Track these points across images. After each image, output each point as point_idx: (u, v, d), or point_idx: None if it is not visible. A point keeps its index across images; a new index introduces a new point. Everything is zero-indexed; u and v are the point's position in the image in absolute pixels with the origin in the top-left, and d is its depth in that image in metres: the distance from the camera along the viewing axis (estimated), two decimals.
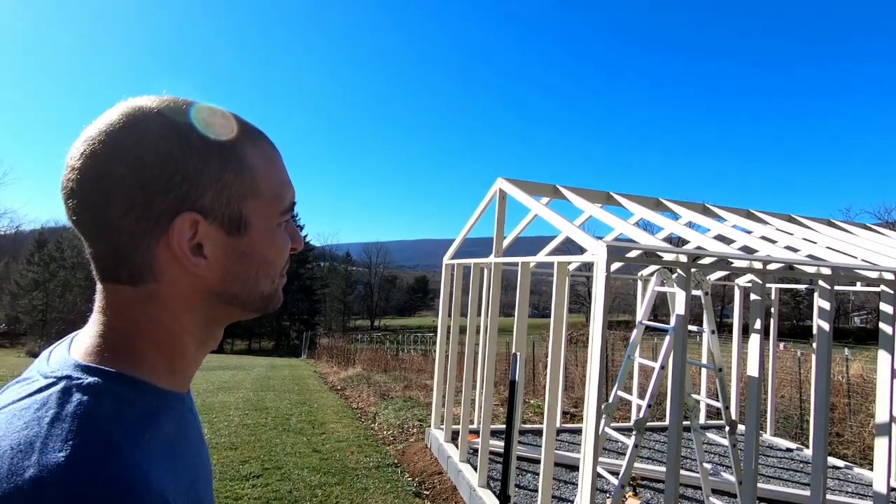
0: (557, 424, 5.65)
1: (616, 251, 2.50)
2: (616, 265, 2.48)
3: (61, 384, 0.45)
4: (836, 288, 3.31)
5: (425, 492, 4.20)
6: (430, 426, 5.39)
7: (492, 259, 4.00)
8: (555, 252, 5.18)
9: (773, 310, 5.53)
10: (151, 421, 0.48)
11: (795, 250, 3.46)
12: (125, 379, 0.48)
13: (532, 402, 7.61)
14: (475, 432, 4.62)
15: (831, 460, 4.93)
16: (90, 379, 0.46)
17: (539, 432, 5.27)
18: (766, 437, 5.65)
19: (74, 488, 0.38)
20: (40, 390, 0.45)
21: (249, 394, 8.40)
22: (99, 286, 0.52)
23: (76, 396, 0.44)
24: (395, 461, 4.89)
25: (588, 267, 6.35)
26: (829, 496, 3.86)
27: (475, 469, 4.04)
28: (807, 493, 3.63)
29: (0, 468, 0.39)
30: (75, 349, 0.51)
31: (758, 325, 2.62)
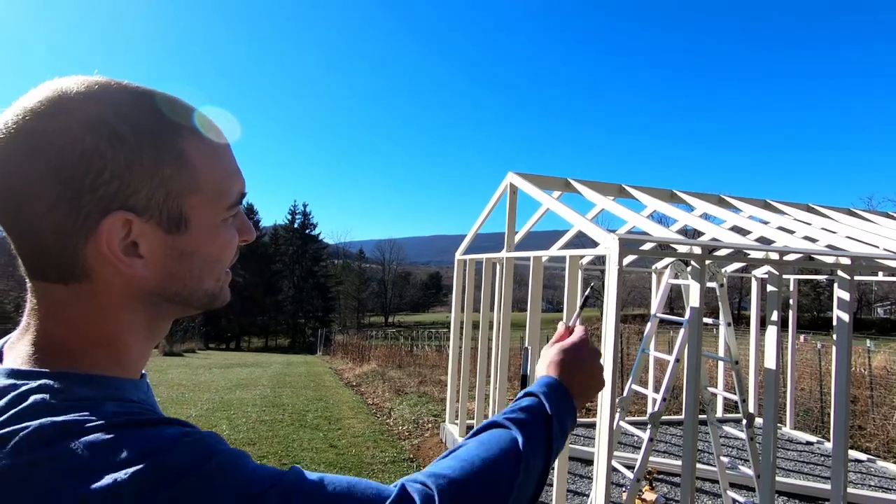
0: None
1: (629, 244, 2.48)
2: (629, 258, 2.46)
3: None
4: (857, 278, 3.24)
5: None
6: (444, 421, 5.41)
7: (503, 254, 4.00)
8: (567, 246, 5.14)
9: (791, 301, 5.43)
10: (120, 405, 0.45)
11: (814, 240, 3.40)
12: (75, 377, 0.45)
13: None
14: None
15: (853, 454, 4.83)
16: (35, 384, 0.43)
17: None
18: (786, 430, 5.56)
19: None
20: None
21: (266, 390, 8.52)
22: (29, 285, 0.48)
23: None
24: (411, 456, 4.92)
25: (601, 260, 6.30)
26: (850, 489, 3.80)
27: None
28: (827, 486, 3.57)
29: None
30: (8, 357, 0.47)
31: (775, 316, 2.58)
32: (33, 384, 0.43)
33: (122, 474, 0.37)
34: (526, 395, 0.65)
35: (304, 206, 53.46)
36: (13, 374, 0.44)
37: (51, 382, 0.43)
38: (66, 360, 0.46)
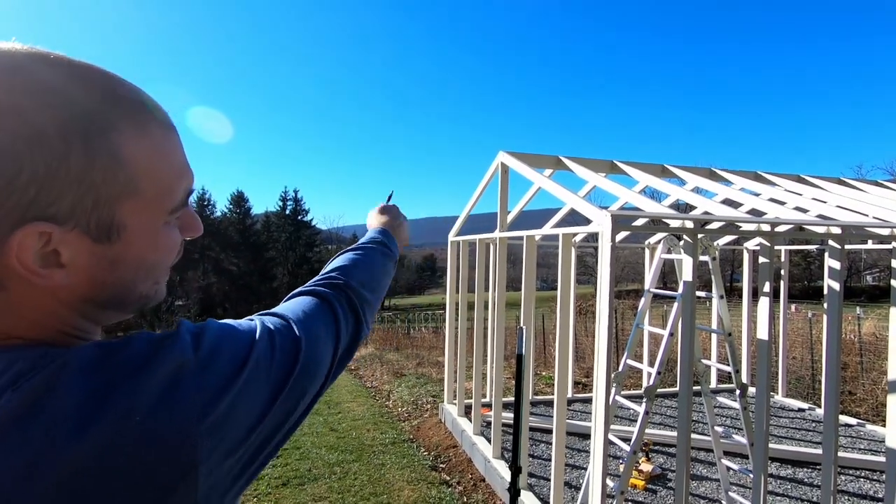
0: (569, 394, 5.71)
1: (621, 220, 2.47)
2: (622, 234, 2.46)
3: None
4: (848, 247, 3.26)
5: (441, 465, 4.29)
6: (443, 402, 5.47)
7: (496, 234, 3.99)
8: (560, 224, 5.14)
9: (783, 272, 5.48)
10: None
11: (805, 211, 3.41)
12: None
13: (544, 373, 7.68)
14: (488, 405, 4.67)
15: (843, 418, 4.95)
16: None
17: (551, 403, 5.33)
18: (778, 398, 5.67)
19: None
20: None
21: None
22: None
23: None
24: (411, 437, 4.98)
25: (595, 237, 6.31)
26: (841, 453, 3.89)
27: (489, 441, 4.11)
28: (819, 451, 3.66)
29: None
30: None
31: (767, 287, 2.60)
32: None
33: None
34: (371, 240, 0.93)
35: (296, 192, 53.05)
36: None
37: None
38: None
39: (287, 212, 49.82)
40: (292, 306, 0.62)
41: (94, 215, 0.42)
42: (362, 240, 0.94)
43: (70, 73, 0.41)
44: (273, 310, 0.61)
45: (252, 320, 0.54)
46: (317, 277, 0.73)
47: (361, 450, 4.61)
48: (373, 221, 1.03)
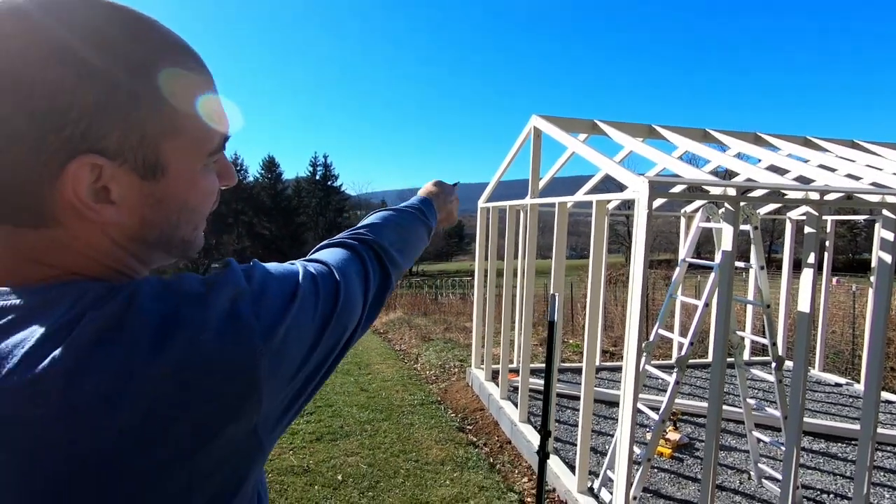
0: (597, 362, 5.71)
1: (659, 187, 2.39)
2: (659, 202, 2.38)
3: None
4: None
5: (468, 427, 4.40)
6: (470, 366, 5.56)
7: (528, 200, 3.93)
8: (592, 191, 5.02)
9: (828, 243, 5.24)
10: None
11: (857, 178, 3.22)
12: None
13: (571, 341, 7.69)
14: (514, 371, 4.73)
15: (884, 395, 4.80)
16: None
17: (578, 370, 5.35)
18: (815, 372, 5.53)
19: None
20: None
21: None
22: None
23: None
24: (438, 399, 5.11)
25: (627, 205, 6.15)
26: (880, 430, 3.79)
27: (515, 406, 4.17)
28: (855, 426, 3.58)
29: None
30: None
31: (811, 259, 2.49)
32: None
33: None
34: (410, 205, 0.94)
35: (325, 157, 53.31)
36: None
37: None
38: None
39: (317, 177, 50.31)
40: (326, 254, 0.64)
41: (140, 152, 0.44)
42: (404, 203, 0.95)
43: (112, 13, 0.43)
44: (310, 256, 0.64)
45: (293, 264, 0.57)
46: (346, 232, 0.75)
47: (391, 409, 4.76)
48: (422, 191, 1.05)
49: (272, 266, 0.53)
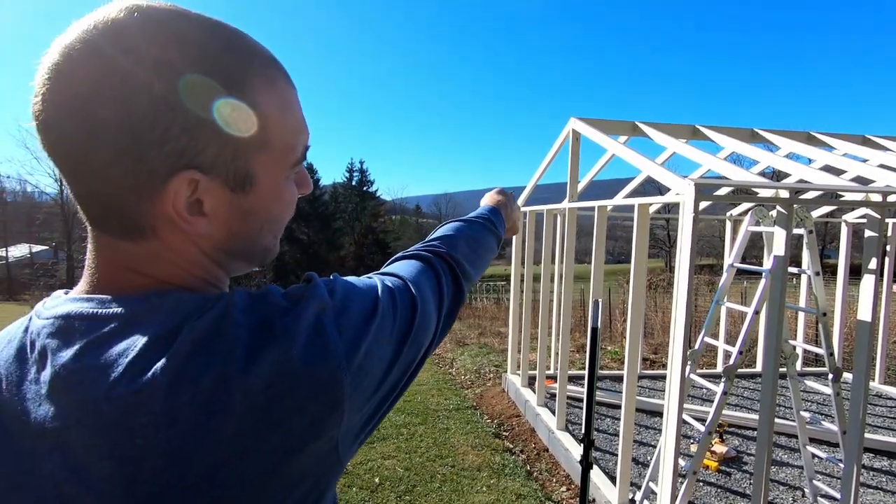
0: (638, 370, 5.55)
1: (705, 189, 2.30)
2: (704, 204, 2.29)
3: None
4: None
5: (504, 433, 4.35)
6: (506, 371, 5.50)
7: (566, 204, 3.87)
8: (632, 195, 4.90)
9: (889, 248, 4.93)
10: None
11: None
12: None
13: (609, 348, 7.51)
14: (552, 378, 4.65)
15: None
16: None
17: (617, 378, 5.22)
18: (875, 384, 5.20)
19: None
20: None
21: None
22: (91, 231, 0.47)
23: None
24: (474, 404, 5.08)
25: (667, 209, 5.97)
26: None
27: (553, 413, 4.10)
28: None
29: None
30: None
31: (873, 264, 2.34)
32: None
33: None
34: (479, 215, 0.94)
35: (361, 163, 54.30)
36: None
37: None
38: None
39: (353, 183, 51.19)
40: (401, 268, 0.64)
41: (232, 166, 0.45)
42: (472, 213, 0.94)
43: (208, 28, 0.44)
44: (385, 269, 0.64)
45: (371, 278, 0.57)
46: (420, 244, 0.75)
47: (426, 414, 4.77)
48: (486, 200, 1.04)
49: (352, 280, 0.54)
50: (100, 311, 0.44)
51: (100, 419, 0.40)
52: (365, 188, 51.13)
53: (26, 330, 0.47)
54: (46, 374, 0.43)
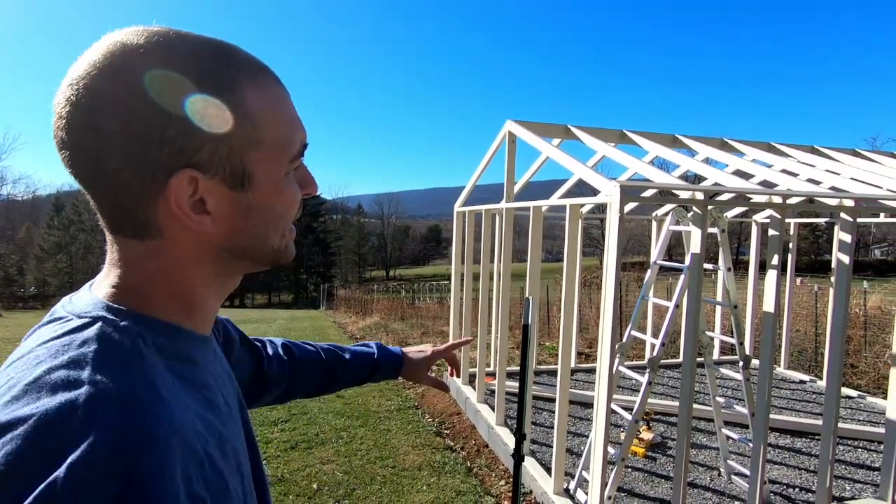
0: (572, 364, 5.78)
1: (630, 191, 2.44)
2: (630, 205, 2.43)
3: (97, 324, 0.46)
4: (860, 220, 3.21)
5: (445, 431, 4.39)
6: (447, 370, 5.55)
7: (503, 205, 3.96)
8: (567, 195, 5.09)
9: (791, 245, 5.44)
10: (185, 367, 0.50)
11: (817, 182, 3.35)
12: (156, 322, 0.49)
13: (547, 344, 7.77)
14: (491, 374, 4.74)
15: (844, 390, 4.99)
16: (124, 322, 0.47)
17: (554, 373, 5.40)
18: (780, 370, 5.72)
19: (120, 425, 0.39)
20: (77, 329, 0.45)
21: None
22: (109, 237, 0.51)
23: (114, 336, 0.45)
24: (416, 404, 5.08)
25: (601, 209, 6.25)
26: (841, 424, 3.94)
27: (492, 409, 4.19)
28: (819, 422, 3.71)
29: (49, 403, 0.38)
30: (98, 294, 0.51)
31: (775, 260, 2.57)
32: (121, 322, 0.47)
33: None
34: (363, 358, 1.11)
35: None
36: (108, 308, 0.48)
37: (130, 324, 0.47)
38: (145, 307, 0.49)
39: None
40: None
41: (228, 163, 0.48)
42: (372, 349, 1.11)
43: (197, 41, 0.49)
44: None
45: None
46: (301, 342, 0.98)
47: (367, 415, 4.72)
48: (411, 347, 1.17)
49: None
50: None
51: None
52: None
53: None
54: None
